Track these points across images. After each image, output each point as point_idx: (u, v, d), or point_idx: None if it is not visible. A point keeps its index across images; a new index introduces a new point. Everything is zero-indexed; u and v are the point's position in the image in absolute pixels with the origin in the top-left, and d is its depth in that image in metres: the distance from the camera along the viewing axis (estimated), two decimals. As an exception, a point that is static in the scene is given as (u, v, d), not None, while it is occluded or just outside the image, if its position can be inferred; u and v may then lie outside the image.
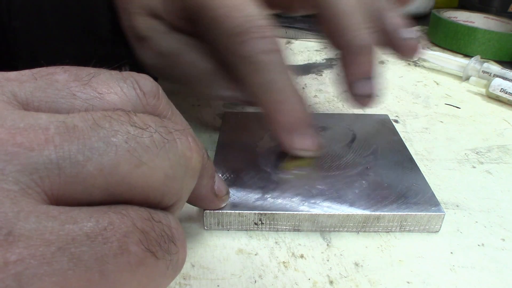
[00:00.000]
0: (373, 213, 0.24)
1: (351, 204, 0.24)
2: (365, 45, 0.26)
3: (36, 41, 0.39)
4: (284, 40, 0.33)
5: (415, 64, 0.51)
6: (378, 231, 0.24)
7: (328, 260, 0.22)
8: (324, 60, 0.50)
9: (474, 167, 0.31)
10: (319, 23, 0.27)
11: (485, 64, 0.45)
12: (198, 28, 0.25)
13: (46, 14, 0.37)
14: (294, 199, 0.24)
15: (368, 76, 0.27)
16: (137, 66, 0.38)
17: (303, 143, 0.26)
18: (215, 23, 0.24)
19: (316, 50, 0.53)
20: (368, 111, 0.39)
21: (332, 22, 0.26)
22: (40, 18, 0.37)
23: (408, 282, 0.21)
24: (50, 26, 0.38)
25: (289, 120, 0.25)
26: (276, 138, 0.26)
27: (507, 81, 0.41)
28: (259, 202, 0.24)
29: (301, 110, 0.25)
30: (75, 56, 0.40)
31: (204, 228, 0.24)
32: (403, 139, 0.31)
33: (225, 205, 0.23)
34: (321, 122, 0.33)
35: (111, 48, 0.35)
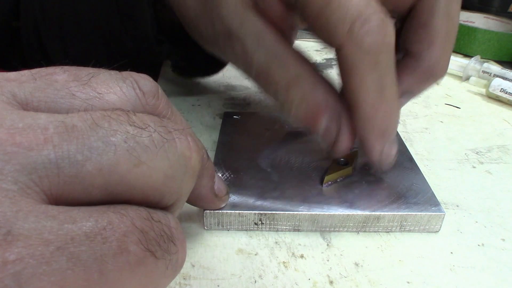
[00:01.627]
0: (373, 213, 0.24)
1: (351, 204, 0.24)
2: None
3: (70, 39, 0.39)
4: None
5: (415, 64, 0.51)
6: (378, 231, 0.24)
7: (328, 260, 0.22)
8: (324, 60, 0.50)
9: (474, 167, 0.31)
10: None
11: (485, 64, 0.45)
12: (305, 12, 0.22)
13: (81, 13, 0.35)
14: (294, 199, 0.24)
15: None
16: (181, 68, 0.36)
17: (391, 152, 0.25)
18: (335, 6, 0.21)
19: (316, 50, 0.53)
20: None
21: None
22: (75, 15, 0.37)
23: (408, 282, 0.21)
24: (81, 19, 0.37)
25: (387, 126, 0.24)
26: (363, 142, 0.24)
27: (507, 81, 0.41)
28: (259, 202, 0.24)
29: (398, 118, 0.24)
30: (107, 52, 0.40)
31: (204, 228, 0.24)
32: (403, 139, 0.31)
33: (225, 205, 0.23)
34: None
35: (150, 46, 0.33)
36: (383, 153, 0.25)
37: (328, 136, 0.25)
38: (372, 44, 0.21)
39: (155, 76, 0.43)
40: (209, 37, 0.26)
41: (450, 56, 0.26)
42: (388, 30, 0.21)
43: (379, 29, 0.21)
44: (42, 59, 0.43)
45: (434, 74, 0.26)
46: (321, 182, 0.26)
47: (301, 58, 0.24)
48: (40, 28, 0.41)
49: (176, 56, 0.33)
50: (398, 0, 0.25)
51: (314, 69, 0.25)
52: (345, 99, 0.24)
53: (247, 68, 0.26)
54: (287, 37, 0.25)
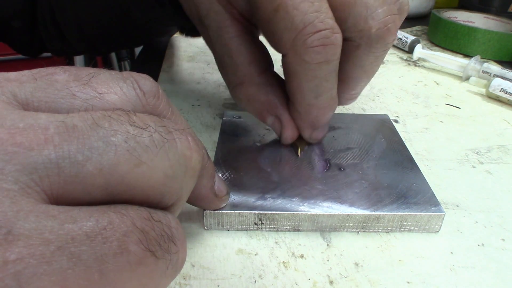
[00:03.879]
0: (373, 213, 0.24)
1: (351, 204, 0.24)
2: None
3: (83, 17, 0.41)
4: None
5: (415, 64, 0.51)
6: (378, 231, 0.24)
7: (328, 260, 0.22)
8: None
9: (474, 167, 0.31)
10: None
11: (485, 64, 0.45)
12: (257, 16, 0.24)
13: None
14: (294, 199, 0.24)
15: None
16: (188, 29, 0.38)
17: (318, 136, 0.28)
18: (282, 14, 0.22)
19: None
20: (368, 111, 0.39)
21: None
22: None
23: (408, 282, 0.21)
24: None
25: (318, 122, 0.27)
26: (298, 127, 0.28)
27: (507, 81, 0.41)
28: (259, 202, 0.24)
29: (331, 115, 0.27)
30: (118, 23, 0.41)
31: (204, 228, 0.24)
32: (403, 139, 0.31)
33: (225, 205, 0.23)
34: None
35: (158, 10, 0.35)
36: (311, 136, 0.28)
37: (275, 129, 0.29)
38: (313, 59, 0.22)
39: (155, 75, 0.44)
40: (190, 17, 0.29)
41: (357, 94, 0.28)
42: (332, 42, 0.22)
43: (323, 43, 0.22)
44: (59, 40, 0.45)
45: (339, 103, 0.28)
46: (297, 154, 0.29)
47: (254, 58, 0.26)
48: (56, 16, 0.42)
49: (179, 19, 0.34)
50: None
51: (264, 70, 0.27)
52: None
53: (213, 54, 0.28)
54: (251, 33, 0.26)
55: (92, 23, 0.42)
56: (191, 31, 0.40)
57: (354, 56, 0.25)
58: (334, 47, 0.22)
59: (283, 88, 0.27)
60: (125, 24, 0.41)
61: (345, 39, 0.23)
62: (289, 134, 0.28)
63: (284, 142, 0.29)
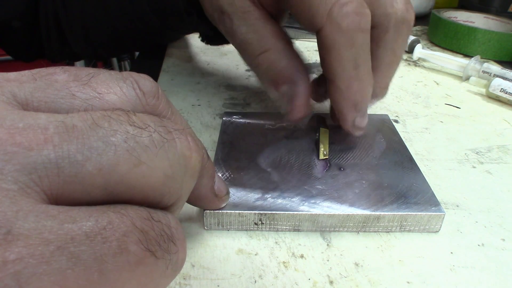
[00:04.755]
0: (373, 213, 0.24)
1: (351, 204, 0.24)
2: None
3: (92, 25, 0.41)
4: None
5: (415, 64, 0.51)
6: (378, 231, 0.24)
7: (328, 260, 0.22)
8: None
9: (474, 167, 0.31)
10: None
11: (485, 64, 0.45)
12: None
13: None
14: (294, 199, 0.24)
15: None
16: (208, 37, 0.40)
17: (361, 123, 0.28)
18: None
19: (316, 50, 0.53)
20: (368, 111, 0.39)
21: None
22: (98, 2, 0.39)
23: (408, 282, 0.21)
24: (109, 8, 0.40)
25: (359, 99, 0.27)
26: (338, 113, 0.28)
27: (507, 81, 0.41)
28: (259, 202, 0.24)
29: (370, 91, 0.27)
30: (138, 36, 0.42)
31: (204, 228, 0.24)
32: (403, 139, 0.31)
33: (225, 205, 0.23)
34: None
35: (184, 19, 0.37)
36: (354, 123, 0.28)
37: (285, 101, 0.28)
38: (350, 25, 0.24)
39: (155, 75, 0.44)
40: (210, 12, 0.30)
41: (389, 82, 0.30)
42: (364, 12, 0.24)
43: (356, 12, 0.24)
44: (60, 48, 0.45)
45: (373, 95, 0.28)
46: (318, 157, 0.28)
47: (277, 34, 0.28)
48: (60, 16, 0.42)
49: (203, 26, 0.37)
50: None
51: (286, 42, 0.28)
52: (323, 71, 0.27)
53: (232, 40, 0.29)
54: (274, 18, 0.28)
55: (100, 27, 0.42)
56: (210, 39, 0.41)
57: (384, 41, 0.27)
58: (366, 17, 0.24)
59: (304, 65, 0.28)
60: (138, 30, 0.42)
61: (374, 27, 0.26)
62: (301, 104, 0.28)
63: (294, 113, 0.28)
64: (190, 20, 0.36)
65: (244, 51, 0.29)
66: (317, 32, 0.25)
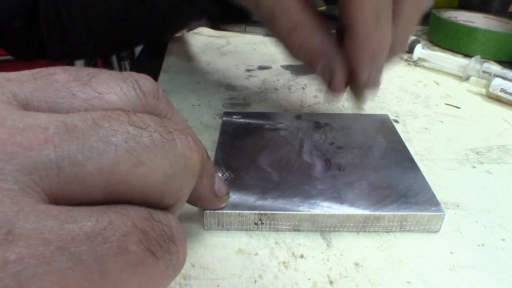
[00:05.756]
0: (373, 213, 0.24)
1: (351, 204, 0.24)
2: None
3: (94, 17, 0.40)
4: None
5: (415, 64, 0.51)
6: (378, 231, 0.24)
7: (328, 260, 0.22)
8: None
9: (474, 167, 0.31)
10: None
11: (485, 64, 0.45)
12: None
13: None
14: (294, 199, 0.24)
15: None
16: (215, 18, 0.38)
17: (377, 78, 0.27)
18: None
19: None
20: (368, 111, 0.39)
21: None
22: None
23: (408, 282, 0.21)
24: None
25: (379, 50, 0.26)
26: (354, 66, 0.26)
27: (507, 81, 0.41)
28: (259, 202, 0.24)
29: (388, 45, 0.26)
30: (137, 28, 0.40)
31: (204, 228, 0.24)
32: (403, 139, 0.31)
33: (225, 205, 0.23)
34: (320, 122, 0.33)
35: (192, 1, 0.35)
36: (370, 77, 0.27)
37: (324, 78, 0.27)
38: None
39: (155, 75, 0.43)
40: None
41: (409, 36, 0.28)
42: None
43: None
44: (61, 46, 0.44)
45: (392, 49, 0.27)
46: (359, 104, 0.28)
47: (304, 5, 0.26)
48: (61, 12, 0.41)
49: (211, 7, 0.35)
50: None
51: (316, 15, 0.26)
52: (340, 31, 0.26)
53: (258, 13, 0.27)
54: None
55: (103, 15, 0.41)
56: (218, 20, 0.39)
57: None
58: None
59: (333, 35, 0.27)
60: (142, 19, 0.40)
61: None
62: (342, 79, 0.27)
63: (336, 90, 0.27)
64: (197, 2, 0.34)
65: (271, 26, 0.27)
66: None
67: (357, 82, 0.27)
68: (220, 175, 0.26)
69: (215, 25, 0.39)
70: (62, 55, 0.49)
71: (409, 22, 0.27)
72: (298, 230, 0.24)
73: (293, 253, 0.23)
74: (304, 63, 0.27)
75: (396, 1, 0.25)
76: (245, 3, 0.28)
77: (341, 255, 0.23)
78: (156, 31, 0.50)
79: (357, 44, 0.25)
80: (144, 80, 0.16)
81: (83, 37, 0.44)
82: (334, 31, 0.27)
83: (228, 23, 0.38)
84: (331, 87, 0.27)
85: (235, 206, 0.24)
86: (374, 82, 0.27)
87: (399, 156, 0.29)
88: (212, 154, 0.29)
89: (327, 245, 0.23)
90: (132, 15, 0.41)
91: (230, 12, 0.29)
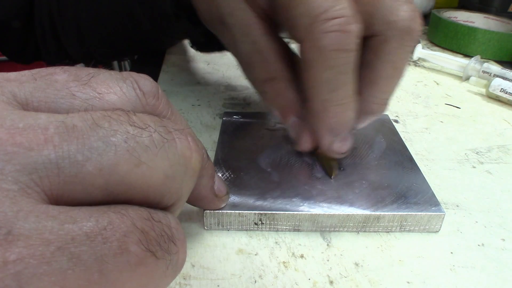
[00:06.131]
0: (373, 213, 0.24)
1: (351, 204, 0.24)
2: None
3: (86, 27, 0.40)
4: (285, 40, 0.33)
5: (415, 64, 0.51)
6: (378, 231, 0.24)
7: (328, 260, 0.22)
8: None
9: (474, 167, 0.31)
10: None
11: (485, 64, 0.45)
12: (276, 4, 0.23)
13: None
14: (294, 199, 0.24)
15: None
16: (199, 44, 0.38)
17: (342, 147, 0.26)
18: (304, 7, 0.21)
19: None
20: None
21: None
22: (91, 2, 0.38)
23: (408, 282, 0.21)
24: (102, 9, 0.38)
25: (338, 123, 0.24)
26: (316, 135, 0.26)
27: (507, 81, 0.41)
28: (259, 202, 0.24)
29: (351, 116, 0.24)
30: (124, 37, 0.40)
31: (204, 228, 0.24)
32: (403, 139, 0.31)
33: (225, 205, 0.23)
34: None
35: (173, 22, 0.35)
36: (332, 147, 0.25)
37: (293, 132, 0.27)
38: (329, 45, 0.21)
39: (155, 75, 0.43)
40: (208, 20, 0.28)
41: (388, 98, 0.26)
42: (350, 30, 0.21)
43: (341, 29, 0.21)
44: (56, 50, 0.44)
45: (369, 111, 0.26)
46: (330, 176, 0.26)
47: (282, 55, 0.25)
48: (54, 17, 0.41)
49: (194, 32, 0.34)
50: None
51: (293, 69, 0.26)
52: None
53: (234, 54, 0.27)
54: (275, 29, 0.25)
55: (93, 27, 0.41)
56: (202, 46, 0.38)
57: (383, 52, 0.24)
58: (351, 36, 0.21)
59: None
60: (130, 33, 0.40)
61: (373, 35, 0.24)
62: (307, 141, 0.26)
63: (302, 148, 0.27)
64: (179, 25, 0.34)
65: (248, 73, 0.27)
66: (299, 46, 0.23)
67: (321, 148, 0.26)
68: (220, 175, 0.26)
69: (200, 50, 0.38)
70: (58, 59, 0.48)
71: (386, 86, 0.26)
72: (298, 230, 0.24)
73: (293, 253, 0.23)
74: (276, 111, 0.27)
75: (369, 66, 0.24)
76: (225, 43, 0.28)
77: (341, 255, 0.23)
78: (144, 47, 0.49)
79: (313, 116, 0.25)
80: (144, 80, 0.16)
81: (75, 44, 0.44)
82: None
83: (211, 50, 0.37)
84: (298, 141, 0.27)
85: (235, 206, 0.24)
86: (337, 152, 0.26)
87: (399, 156, 0.29)
88: (212, 154, 0.29)
89: (327, 245, 0.23)
90: (120, 29, 0.40)
91: (215, 39, 0.28)
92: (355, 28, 0.21)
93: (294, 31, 0.23)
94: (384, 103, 0.26)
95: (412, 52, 0.25)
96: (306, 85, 0.24)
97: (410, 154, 0.29)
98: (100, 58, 0.51)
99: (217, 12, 0.26)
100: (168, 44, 0.52)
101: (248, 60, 0.26)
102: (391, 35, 0.24)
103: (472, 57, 0.47)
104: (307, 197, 0.24)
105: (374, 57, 0.24)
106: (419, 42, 0.52)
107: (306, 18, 0.21)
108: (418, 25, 0.24)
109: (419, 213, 0.24)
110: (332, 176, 0.26)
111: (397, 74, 0.25)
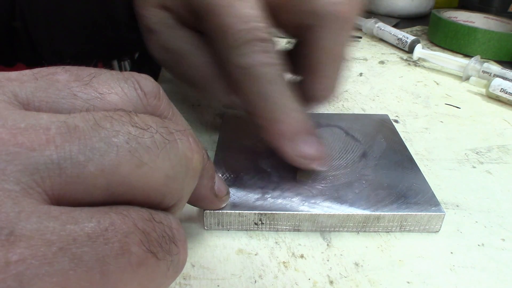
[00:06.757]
0: (373, 213, 0.24)
1: (351, 204, 0.24)
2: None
3: (52, 24, 0.40)
4: (284, 40, 0.33)
5: (415, 64, 0.51)
6: (378, 231, 0.24)
7: (328, 260, 0.22)
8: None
9: (474, 167, 0.31)
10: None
11: (485, 64, 0.45)
12: (202, 27, 0.25)
13: (65, 5, 0.37)
14: (294, 199, 0.24)
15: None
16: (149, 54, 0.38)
17: (307, 150, 0.24)
18: (218, 31, 0.23)
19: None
20: (368, 111, 0.39)
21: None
22: (60, 7, 0.38)
23: (408, 282, 0.21)
24: (66, 9, 0.38)
25: (288, 128, 0.23)
26: (277, 150, 0.24)
27: (507, 81, 0.41)
28: (259, 202, 0.24)
29: (299, 119, 0.24)
30: (90, 41, 0.40)
31: (204, 228, 0.24)
32: (403, 139, 0.31)
33: (225, 205, 0.23)
34: (321, 122, 0.33)
35: (126, 33, 0.35)
36: (295, 155, 0.24)
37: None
38: (251, 64, 0.22)
39: (155, 75, 0.43)
40: (141, 29, 0.29)
41: (332, 84, 0.26)
42: (268, 49, 0.22)
43: (257, 50, 0.22)
44: (33, 56, 0.43)
45: (315, 99, 0.26)
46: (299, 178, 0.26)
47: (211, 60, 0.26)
48: (28, 24, 0.41)
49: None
50: (284, 19, 0.25)
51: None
52: None
53: (160, 58, 0.29)
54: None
55: (65, 39, 0.41)
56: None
57: (314, 40, 0.24)
58: (269, 50, 0.23)
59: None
60: (98, 42, 0.40)
61: (302, 26, 0.24)
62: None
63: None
64: (134, 36, 0.33)
65: (175, 72, 0.29)
66: None
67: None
68: (220, 175, 0.26)
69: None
70: (35, 63, 0.48)
71: (325, 72, 0.25)
72: (298, 230, 0.24)
73: (293, 253, 0.23)
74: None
75: (306, 55, 0.25)
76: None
77: (341, 255, 0.23)
78: (114, 51, 0.49)
79: (264, 132, 0.24)
80: (145, 80, 0.16)
81: (48, 52, 0.43)
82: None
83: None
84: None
85: (235, 206, 0.24)
86: (303, 156, 0.24)
87: (399, 156, 0.29)
88: (212, 154, 0.29)
89: (327, 245, 0.23)
90: (87, 32, 0.40)
91: None
92: (272, 47, 0.23)
93: (222, 60, 0.24)
94: (329, 89, 0.26)
95: (346, 38, 0.25)
96: (247, 105, 0.24)
97: (410, 154, 0.29)
98: (70, 59, 0.50)
99: (144, 21, 0.28)
100: (133, 51, 0.52)
101: (177, 63, 0.28)
102: (318, 24, 0.24)
103: (472, 57, 0.47)
104: (307, 197, 0.24)
105: (308, 47, 0.25)
106: (419, 42, 0.52)
107: (224, 46, 0.23)
108: (351, 8, 0.23)
109: (419, 213, 0.24)
110: (299, 178, 0.26)
111: (335, 60, 0.25)
